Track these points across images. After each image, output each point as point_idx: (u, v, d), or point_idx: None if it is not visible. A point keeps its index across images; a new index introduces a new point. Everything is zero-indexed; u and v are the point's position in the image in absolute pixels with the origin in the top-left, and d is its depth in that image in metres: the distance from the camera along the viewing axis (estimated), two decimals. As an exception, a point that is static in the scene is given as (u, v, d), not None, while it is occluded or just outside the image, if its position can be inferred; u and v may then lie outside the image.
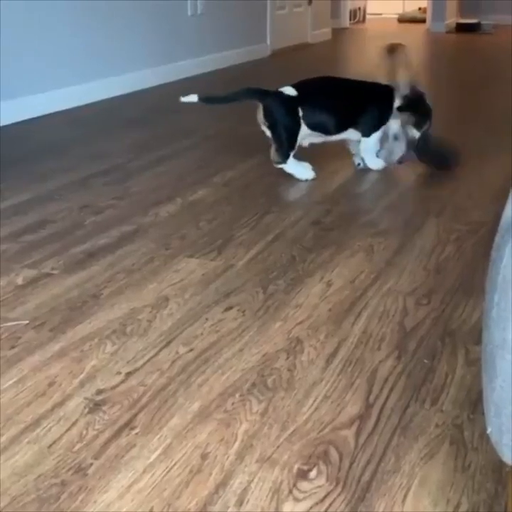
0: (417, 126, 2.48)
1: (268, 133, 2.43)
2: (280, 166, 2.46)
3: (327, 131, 2.47)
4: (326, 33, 7.06)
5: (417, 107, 2.47)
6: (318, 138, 2.50)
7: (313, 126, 2.44)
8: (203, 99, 2.44)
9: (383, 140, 2.52)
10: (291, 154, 2.45)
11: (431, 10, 8.02)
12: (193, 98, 2.42)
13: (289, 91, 2.43)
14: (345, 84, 2.55)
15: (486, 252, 0.80)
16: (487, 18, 7.97)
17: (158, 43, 4.57)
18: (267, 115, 2.40)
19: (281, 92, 2.43)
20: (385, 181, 2.51)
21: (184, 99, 2.43)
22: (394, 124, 2.49)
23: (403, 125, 2.48)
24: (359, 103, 2.48)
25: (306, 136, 2.46)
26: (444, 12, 7.90)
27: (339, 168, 2.62)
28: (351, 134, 2.52)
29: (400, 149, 2.52)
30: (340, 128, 2.48)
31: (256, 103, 2.43)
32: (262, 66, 5.46)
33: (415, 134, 2.49)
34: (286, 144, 2.42)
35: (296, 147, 2.45)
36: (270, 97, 2.42)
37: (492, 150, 2.83)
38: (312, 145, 2.52)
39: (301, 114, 2.40)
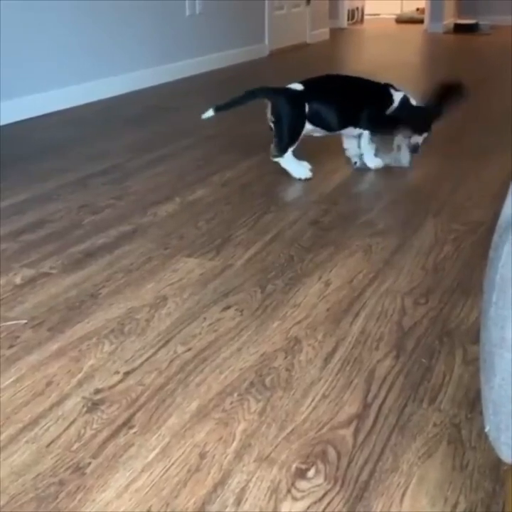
0: (418, 132, 2.53)
1: (273, 128, 2.45)
2: (277, 159, 2.47)
3: (330, 128, 2.49)
4: (324, 33, 7.06)
5: (409, 116, 2.51)
6: (319, 132, 2.52)
7: (317, 123, 2.46)
8: (217, 109, 2.44)
9: (388, 150, 2.56)
10: (290, 150, 2.45)
11: (429, 10, 8.03)
12: (210, 113, 2.44)
13: (296, 86, 2.47)
14: (349, 82, 2.58)
15: (485, 251, 0.80)
16: (485, 18, 7.97)
17: (156, 43, 4.57)
18: (274, 111, 2.43)
19: (289, 88, 2.47)
20: (384, 181, 2.51)
21: (204, 116, 2.45)
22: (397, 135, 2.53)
23: (405, 135, 2.53)
24: (361, 99, 2.51)
25: (308, 131, 2.48)
26: (441, 12, 7.90)
27: (337, 168, 2.62)
28: (351, 131, 2.54)
29: (404, 158, 2.55)
30: (343, 125, 2.51)
31: (265, 101, 2.45)
32: (260, 66, 5.46)
33: (418, 139, 2.55)
34: (287, 138, 2.43)
35: (297, 143, 2.45)
36: (278, 94, 2.45)
37: (491, 150, 2.83)
38: (311, 140, 2.54)
39: (307, 109, 2.43)
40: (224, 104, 2.46)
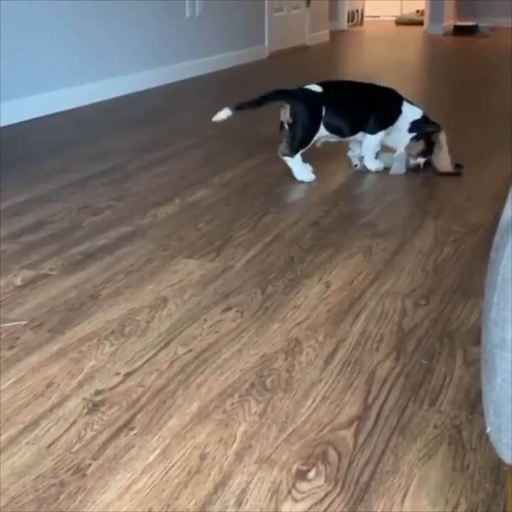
0: (424, 154, 2.54)
1: (286, 128, 2.44)
2: (286, 157, 2.47)
3: (343, 134, 2.52)
4: (323, 35, 7.07)
5: (429, 138, 2.52)
6: (333, 138, 2.52)
7: (332, 129, 2.48)
8: (235, 109, 2.37)
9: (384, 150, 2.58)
10: (301, 151, 2.46)
11: (428, 12, 8.04)
12: (225, 113, 2.36)
13: (315, 88, 2.48)
14: (361, 88, 2.59)
15: (485, 253, 0.80)
16: (484, 20, 7.98)
17: (156, 45, 4.57)
18: (293, 113, 2.42)
19: (308, 89, 2.48)
20: (384, 182, 2.51)
21: (216, 117, 2.37)
22: (399, 148, 2.54)
23: (410, 153, 2.54)
24: (369, 104, 2.52)
25: (322, 137, 2.49)
26: (441, 14, 7.91)
27: (338, 170, 2.62)
28: (361, 136, 2.55)
29: (399, 166, 2.56)
30: (355, 131, 2.52)
31: (283, 104, 2.43)
32: (260, 68, 5.46)
33: (420, 161, 2.55)
34: (300, 139, 2.44)
35: (308, 146, 2.46)
36: (297, 96, 2.45)
37: (491, 151, 2.83)
38: (325, 145, 2.55)
39: (323, 113, 2.44)
40: (243, 104, 2.39)
